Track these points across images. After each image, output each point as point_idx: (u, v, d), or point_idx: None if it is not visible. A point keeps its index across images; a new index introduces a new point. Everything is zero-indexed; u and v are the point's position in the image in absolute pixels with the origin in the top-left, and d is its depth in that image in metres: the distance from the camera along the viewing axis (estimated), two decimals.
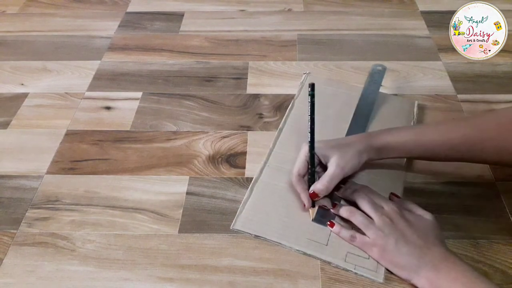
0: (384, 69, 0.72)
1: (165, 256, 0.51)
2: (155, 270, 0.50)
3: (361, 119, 0.65)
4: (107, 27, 0.90)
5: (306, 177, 0.54)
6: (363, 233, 0.50)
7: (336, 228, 0.51)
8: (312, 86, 0.53)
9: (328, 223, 0.52)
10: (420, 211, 0.51)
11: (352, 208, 0.51)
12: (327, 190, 0.52)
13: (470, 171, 0.59)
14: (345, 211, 0.52)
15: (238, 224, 0.53)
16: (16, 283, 0.49)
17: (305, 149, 0.54)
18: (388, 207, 0.50)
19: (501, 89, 0.73)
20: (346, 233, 0.50)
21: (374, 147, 0.53)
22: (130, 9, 0.96)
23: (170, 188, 0.58)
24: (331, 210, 0.53)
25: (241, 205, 0.55)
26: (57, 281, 0.49)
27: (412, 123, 0.65)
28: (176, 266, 0.50)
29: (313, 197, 0.53)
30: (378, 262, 0.48)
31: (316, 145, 0.53)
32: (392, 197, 0.55)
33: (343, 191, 0.54)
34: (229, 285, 0.48)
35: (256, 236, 0.52)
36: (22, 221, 0.55)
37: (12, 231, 0.54)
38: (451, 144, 0.51)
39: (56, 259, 0.51)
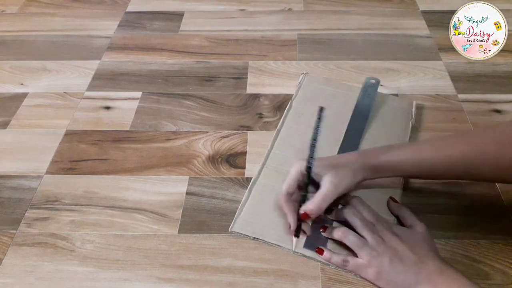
0: (377, 82, 0.69)
1: (164, 256, 0.51)
2: (154, 271, 0.50)
3: (354, 137, 0.63)
4: (106, 26, 0.90)
5: (294, 197, 0.51)
6: (355, 254, 0.48)
7: (326, 254, 0.49)
8: (321, 109, 0.51)
9: (316, 250, 0.50)
10: (412, 221, 0.51)
11: (344, 229, 0.49)
12: (319, 210, 0.49)
13: None
14: (336, 232, 0.50)
15: (236, 226, 0.53)
16: (15, 283, 0.49)
17: (296, 168, 0.51)
18: (379, 224, 0.49)
19: (501, 89, 0.72)
20: (338, 258, 0.49)
21: (369, 167, 0.51)
22: (130, 8, 0.96)
23: (170, 188, 0.58)
24: (322, 234, 0.51)
25: (239, 207, 0.55)
26: (56, 281, 0.49)
27: (410, 123, 0.65)
28: (175, 266, 0.50)
29: (304, 218, 0.49)
30: (374, 283, 0.47)
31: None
32: (390, 201, 0.54)
33: (335, 213, 0.52)
34: (229, 286, 0.48)
35: (255, 238, 0.52)
36: (22, 221, 0.55)
37: (11, 231, 0.54)
38: (449, 162, 0.50)
39: (55, 259, 0.51)
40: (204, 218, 0.55)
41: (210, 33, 0.87)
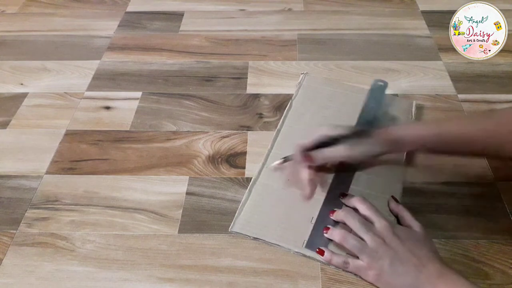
0: (385, 85, 0.67)
1: (164, 256, 0.51)
2: (154, 271, 0.50)
3: None
4: (106, 26, 0.90)
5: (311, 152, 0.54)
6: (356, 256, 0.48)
7: (327, 255, 0.49)
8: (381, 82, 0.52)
9: (317, 250, 0.50)
10: (411, 221, 0.51)
11: (343, 232, 0.50)
12: (323, 158, 0.53)
13: (470, 171, 0.59)
14: (337, 235, 0.50)
15: (236, 226, 0.53)
16: (15, 283, 0.49)
17: (323, 131, 0.53)
18: (380, 223, 0.49)
19: (501, 89, 0.72)
20: (338, 259, 0.49)
21: (389, 140, 0.52)
22: (130, 8, 0.96)
23: (170, 188, 0.58)
24: (325, 235, 0.51)
25: (239, 207, 0.55)
26: (56, 281, 0.49)
27: None
28: (175, 266, 0.50)
29: (306, 160, 0.53)
30: (374, 285, 0.47)
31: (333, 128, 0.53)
32: (391, 200, 0.55)
33: (336, 214, 0.52)
34: (229, 286, 0.48)
35: (255, 238, 0.52)
36: (22, 221, 0.55)
37: (11, 231, 0.54)
38: (469, 137, 0.50)
39: (55, 259, 0.51)
40: (204, 218, 0.55)
41: (210, 33, 0.87)
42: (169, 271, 0.50)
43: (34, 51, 0.84)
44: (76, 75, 0.78)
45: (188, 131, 0.66)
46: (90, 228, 0.54)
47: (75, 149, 0.64)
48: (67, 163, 0.62)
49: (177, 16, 0.92)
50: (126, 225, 0.54)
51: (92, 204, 0.57)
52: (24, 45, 0.86)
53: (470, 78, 0.75)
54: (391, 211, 0.54)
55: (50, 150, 0.64)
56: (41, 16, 0.94)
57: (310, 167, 0.55)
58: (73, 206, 0.56)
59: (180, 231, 0.53)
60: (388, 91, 0.72)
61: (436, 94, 0.72)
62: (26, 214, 0.56)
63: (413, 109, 0.67)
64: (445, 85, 0.74)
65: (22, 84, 0.76)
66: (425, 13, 0.91)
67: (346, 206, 0.53)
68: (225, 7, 0.95)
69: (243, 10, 0.94)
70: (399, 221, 0.53)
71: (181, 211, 0.56)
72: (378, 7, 0.94)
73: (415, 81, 0.75)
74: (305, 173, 0.55)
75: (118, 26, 0.91)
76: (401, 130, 0.53)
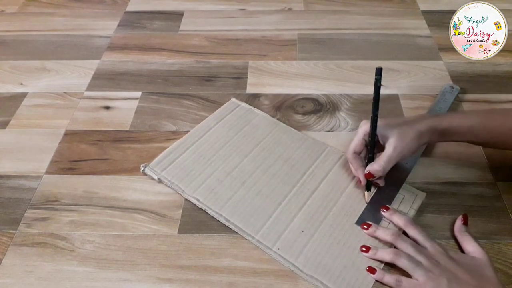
0: (457, 90, 0.64)
1: (164, 256, 0.51)
2: (154, 271, 0.50)
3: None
4: (106, 26, 0.90)
5: (362, 155, 0.54)
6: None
7: (379, 274, 0.47)
8: (378, 70, 0.50)
9: (368, 269, 0.48)
10: (471, 247, 0.48)
11: (395, 250, 0.47)
12: (384, 171, 0.51)
13: (470, 171, 0.59)
14: (387, 254, 0.47)
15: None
16: (15, 283, 0.49)
17: (364, 128, 0.52)
18: (433, 247, 0.47)
19: (502, 89, 0.72)
20: (390, 278, 0.46)
21: (437, 130, 0.51)
22: (130, 8, 0.96)
23: (170, 188, 0.58)
24: (365, 255, 0.49)
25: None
26: (56, 281, 0.49)
27: None
28: (175, 266, 0.50)
29: (368, 177, 0.52)
30: None
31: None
32: (458, 221, 0.52)
33: (381, 233, 0.50)
34: (229, 286, 0.48)
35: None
36: (21, 222, 0.55)
37: (11, 231, 0.54)
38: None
39: (55, 259, 0.51)
40: (204, 218, 0.55)
41: (210, 32, 0.87)
42: (169, 271, 0.49)
43: (34, 51, 0.84)
44: (75, 75, 0.78)
45: (188, 131, 0.66)
46: (89, 228, 0.54)
47: (75, 149, 0.64)
48: (67, 163, 0.62)
49: (176, 16, 0.92)
50: (126, 225, 0.54)
51: (91, 204, 0.57)
52: (23, 45, 0.86)
53: (471, 78, 0.75)
54: (454, 232, 0.52)
55: (50, 150, 0.64)
56: (41, 16, 0.94)
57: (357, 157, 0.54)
58: (72, 206, 0.56)
59: (180, 231, 0.53)
60: (388, 91, 0.72)
61: (437, 94, 0.72)
62: (25, 214, 0.56)
63: None
64: (446, 85, 0.73)
65: (21, 84, 0.76)
66: (426, 13, 0.91)
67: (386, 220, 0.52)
68: (225, 6, 0.95)
69: (243, 9, 0.94)
70: (458, 245, 0.51)
71: (181, 211, 0.55)
72: (378, 6, 0.94)
73: (415, 81, 0.75)
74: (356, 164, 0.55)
75: (118, 25, 0.90)
76: (449, 119, 0.52)
